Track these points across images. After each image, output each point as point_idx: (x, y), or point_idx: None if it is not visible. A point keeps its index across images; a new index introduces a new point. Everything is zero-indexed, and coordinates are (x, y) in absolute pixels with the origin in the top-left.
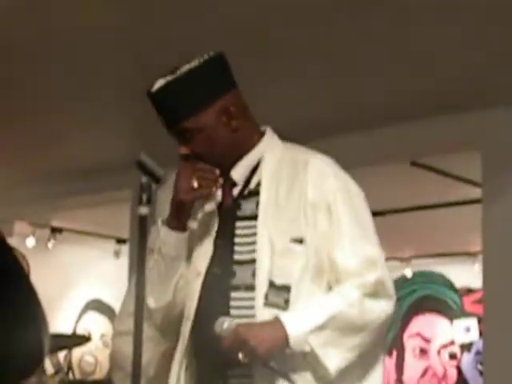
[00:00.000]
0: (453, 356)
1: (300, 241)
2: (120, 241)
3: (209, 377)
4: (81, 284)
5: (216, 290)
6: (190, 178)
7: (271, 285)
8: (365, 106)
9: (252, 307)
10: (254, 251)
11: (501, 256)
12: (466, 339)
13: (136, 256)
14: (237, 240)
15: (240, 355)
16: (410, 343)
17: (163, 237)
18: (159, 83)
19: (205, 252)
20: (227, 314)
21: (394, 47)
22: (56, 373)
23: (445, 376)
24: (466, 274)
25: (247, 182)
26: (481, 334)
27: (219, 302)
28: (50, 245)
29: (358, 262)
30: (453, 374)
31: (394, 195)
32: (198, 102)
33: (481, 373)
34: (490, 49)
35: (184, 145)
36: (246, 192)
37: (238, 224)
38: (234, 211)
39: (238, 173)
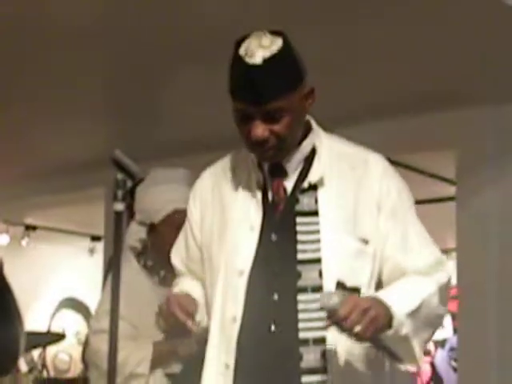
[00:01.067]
0: (426, 352)
1: (366, 241)
2: (95, 238)
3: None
4: (55, 282)
5: (276, 292)
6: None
7: (341, 286)
8: (339, 104)
9: (310, 310)
10: (318, 250)
11: (474, 253)
12: (440, 335)
13: (112, 253)
14: (300, 237)
15: (357, 326)
16: None
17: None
18: (261, 55)
19: (246, 248)
20: (295, 318)
21: (370, 47)
22: (30, 371)
23: (419, 372)
24: None
25: (301, 174)
26: (455, 330)
27: (282, 306)
28: (23, 242)
29: (427, 264)
30: (427, 370)
31: None
32: (295, 79)
33: (455, 369)
34: (466, 49)
35: (271, 124)
36: (305, 185)
37: (299, 220)
38: (292, 205)
39: (293, 164)
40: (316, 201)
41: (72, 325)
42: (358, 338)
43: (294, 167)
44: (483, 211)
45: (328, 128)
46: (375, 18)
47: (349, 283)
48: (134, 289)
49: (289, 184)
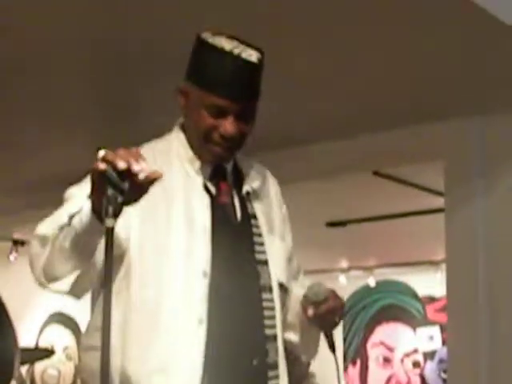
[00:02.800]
0: (416, 364)
1: (288, 247)
2: None
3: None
4: (43, 297)
5: (239, 293)
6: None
7: (281, 287)
8: (327, 117)
9: (273, 308)
10: (264, 252)
11: (464, 265)
12: (429, 347)
13: (102, 268)
14: (255, 239)
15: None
16: (374, 352)
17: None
18: (256, 55)
19: (203, 249)
20: (262, 316)
21: (356, 60)
22: None
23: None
24: (429, 283)
25: (237, 180)
26: (444, 342)
27: (249, 304)
28: (12, 257)
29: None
30: (416, 382)
31: (356, 205)
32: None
33: (444, 381)
34: (452, 60)
35: (242, 123)
36: (244, 191)
37: (253, 222)
38: (242, 209)
39: (228, 168)
40: (252, 207)
41: (61, 340)
42: (330, 328)
43: (229, 172)
44: (472, 222)
45: (315, 141)
46: (362, 31)
47: (285, 283)
48: None
49: (229, 189)
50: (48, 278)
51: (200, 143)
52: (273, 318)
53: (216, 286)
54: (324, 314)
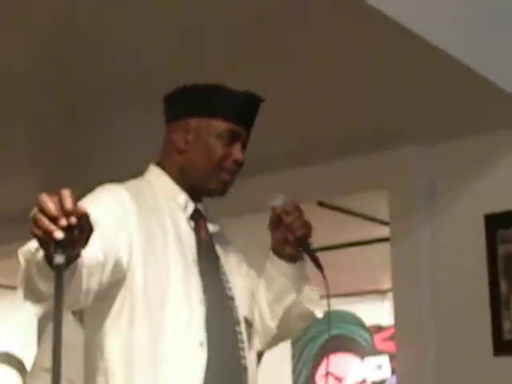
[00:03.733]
0: None
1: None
2: None
3: None
4: None
5: (223, 323)
6: None
7: (246, 322)
8: (268, 149)
9: (243, 341)
10: (231, 289)
11: (409, 293)
12: (378, 377)
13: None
14: (223, 277)
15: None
16: (323, 383)
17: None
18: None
19: (196, 283)
20: (238, 347)
21: (292, 92)
22: None
23: None
24: (376, 312)
25: (204, 219)
26: (392, 371)
27: (229, 335)
28: None
29: None
30: None
31: None
32: None
33: None
34: (395, 90)
35: (243, 150)
36: (214, 232)
37: (220, 261)
38: (213, 247)
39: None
40: (213, 246)
41: (7, 380)
42: (305, 236)
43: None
44: (417, 251)
45: (256, 173)
46: (300, 58)
47: (249, 318)
48: (69, 344)
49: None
50: None
51: (210, 174)
52: (244, 349)
53: (211, 314)
54: (295, 220)
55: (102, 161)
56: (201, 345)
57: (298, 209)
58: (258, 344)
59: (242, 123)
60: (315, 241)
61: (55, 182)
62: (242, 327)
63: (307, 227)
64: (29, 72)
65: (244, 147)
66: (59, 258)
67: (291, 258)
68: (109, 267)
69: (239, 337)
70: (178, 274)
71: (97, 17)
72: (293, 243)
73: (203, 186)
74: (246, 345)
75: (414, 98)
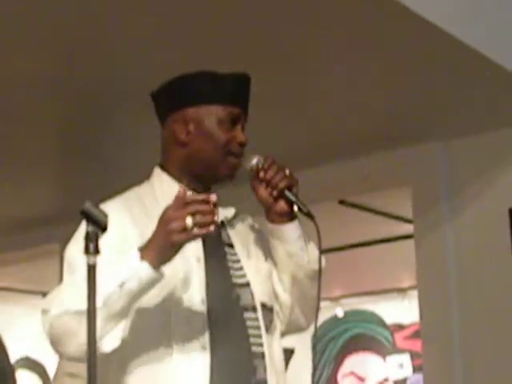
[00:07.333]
0: None
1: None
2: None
3: None
4: (9, 342)
5: (227, 314)
6: (183, 215)
7: (264, 307)
8: (292, 146)
9: (258, 327)
10: (244, 276)
11: (435, 290)
12: (400, 375)
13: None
14: (231, 265)
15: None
16: (345, 383)
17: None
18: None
19: (198, 279)
20: (247, 334)
21: (319, 88)
22: None
23: None
24: (397, 311)
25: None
26: (414, 369)
27: (235, 327)
28: None
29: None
30: None
31: (322, 235)
32: None
33: None
34: (420, 85)
35: (243, 132)
36: (224, 220)
37: (226, 250)
38: (220, 236)
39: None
40: (228, 235)
41: None
42: (276, 186)
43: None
44: (441, 247)
45: None
46: (327, 58)
47: (269, 304)
48: None
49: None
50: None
51: (218, 161)
52: (258, 336)
53: (210, 312)
54: (274, 174)
55: (125, 163)
56: (203, 348)
57: (275, 163)
58: (280, 326)
59: (239, 104)
60: (336, 239)
61: (71, 189)
62: (259, 313)
63: (290, 178)
64: (51, 76)
65: (243, 127)
66: (92, 259)
67: (284, 215)
68: None
69: (249, 323)
70: (179, 276)
71: (111, 18)
72: (279, 198)
73: (212, 174)
74: (262, 331)
75: (438, 94)
